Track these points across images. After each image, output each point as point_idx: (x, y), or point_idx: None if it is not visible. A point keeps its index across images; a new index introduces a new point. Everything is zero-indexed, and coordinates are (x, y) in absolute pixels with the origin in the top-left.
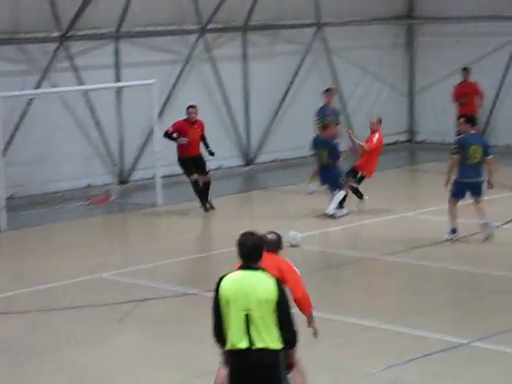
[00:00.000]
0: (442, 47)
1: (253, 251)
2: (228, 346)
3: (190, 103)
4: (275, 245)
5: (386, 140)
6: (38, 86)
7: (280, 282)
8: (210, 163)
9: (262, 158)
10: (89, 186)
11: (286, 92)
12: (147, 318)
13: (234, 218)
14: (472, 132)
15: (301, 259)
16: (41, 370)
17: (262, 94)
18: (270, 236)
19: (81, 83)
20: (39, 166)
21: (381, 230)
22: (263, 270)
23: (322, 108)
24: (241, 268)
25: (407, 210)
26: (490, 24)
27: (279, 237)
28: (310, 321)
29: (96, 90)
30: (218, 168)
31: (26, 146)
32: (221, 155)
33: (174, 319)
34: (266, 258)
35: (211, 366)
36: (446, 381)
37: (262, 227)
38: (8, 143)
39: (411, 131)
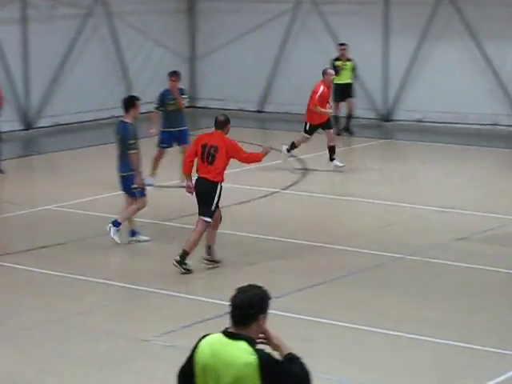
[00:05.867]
0: (222, 14)
1: (242, 311)
2: None
3: None
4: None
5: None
6: None
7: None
8: None
9: (42, 122)
10: None
11: (66, 56)
12: None
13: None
14: None
15: None
16: None
17: (42, 58)
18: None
19: None
20: None
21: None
22: (251, 341)
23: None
24: (224, 331)
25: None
26: None
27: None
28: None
29: None
30: None
31: None
32: None
33: None
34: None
35: None
36: None
37: None
38: None
39: (192, 97)
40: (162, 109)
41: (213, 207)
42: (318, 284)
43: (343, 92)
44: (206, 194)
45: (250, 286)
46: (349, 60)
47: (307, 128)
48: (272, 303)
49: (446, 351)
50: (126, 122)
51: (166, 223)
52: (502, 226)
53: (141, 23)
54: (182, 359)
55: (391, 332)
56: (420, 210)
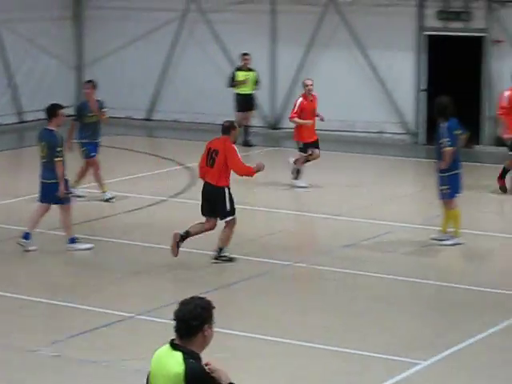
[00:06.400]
0: (109, 21)
1: (185, 324)
2: None
3: None
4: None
5: None
6: None
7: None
8: None
9: None
10: None
11: None
12: None
13: None
14: None
15: None
16: None
17: None
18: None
19: None
20: None
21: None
22: (188, 353)
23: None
24: (171, 341)
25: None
26: None
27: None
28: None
29: None
30: None
31: None
32: None
33: None
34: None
35: None
36: (111, 355)
37: None
38: None
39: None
40: (78, 120)
41: (227, 207)
42: (206, 292)
43: (246, 103)
44: (213, 199)
45: (192, 298)
46: (251, 70)
47: (301, 146)
48: (159, 312)
49: (334, 357)
50: (51, 130)
51: (51, 232)
52: (389, 232)
53: (26, 30)
54: (68, 369)
55: (280, 339)
56: (307, 218)
